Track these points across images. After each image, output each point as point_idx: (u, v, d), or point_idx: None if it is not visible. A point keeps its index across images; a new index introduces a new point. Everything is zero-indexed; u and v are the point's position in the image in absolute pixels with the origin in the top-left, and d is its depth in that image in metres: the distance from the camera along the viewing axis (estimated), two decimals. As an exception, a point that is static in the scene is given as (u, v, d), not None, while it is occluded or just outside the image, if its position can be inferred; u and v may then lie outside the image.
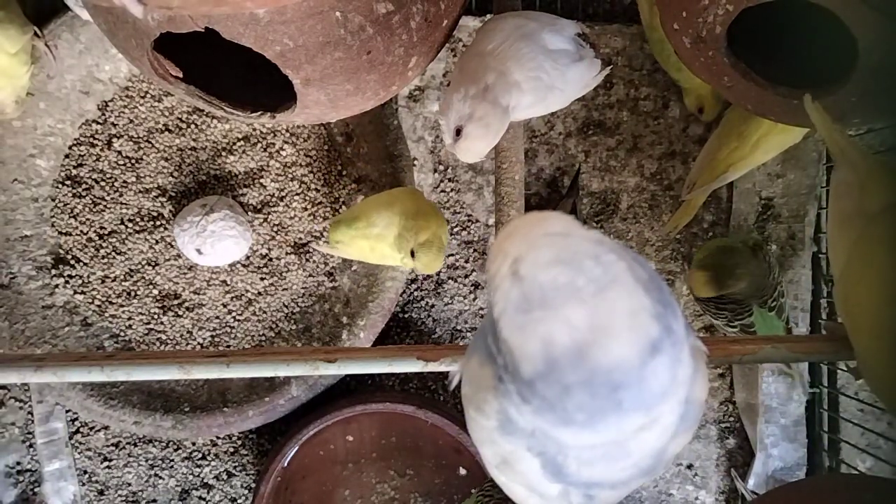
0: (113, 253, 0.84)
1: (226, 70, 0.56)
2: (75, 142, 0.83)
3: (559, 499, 0.32)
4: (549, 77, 0.58)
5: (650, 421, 0.28)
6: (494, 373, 0.31)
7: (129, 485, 0.89)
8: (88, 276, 0.83)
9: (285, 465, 0.81)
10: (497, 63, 0.57)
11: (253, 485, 0.89)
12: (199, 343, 0.85)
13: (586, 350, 0.27)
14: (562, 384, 0.27)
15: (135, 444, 0.89)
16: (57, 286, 0.83)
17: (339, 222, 0.72)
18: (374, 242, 0.69)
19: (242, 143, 0.84)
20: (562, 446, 0.30)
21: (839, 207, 0.49)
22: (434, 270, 0.68)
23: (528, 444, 0.31)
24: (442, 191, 0.88)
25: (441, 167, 0.88)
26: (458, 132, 0.57)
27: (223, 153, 0.84)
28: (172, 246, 0.83)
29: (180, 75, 0.53)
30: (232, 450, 0.89)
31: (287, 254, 0.84)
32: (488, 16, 0.84)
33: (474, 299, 0.89)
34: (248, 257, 0.84)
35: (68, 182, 0.83)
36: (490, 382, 0.31)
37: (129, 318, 0.84)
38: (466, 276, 0.89)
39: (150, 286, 0.84)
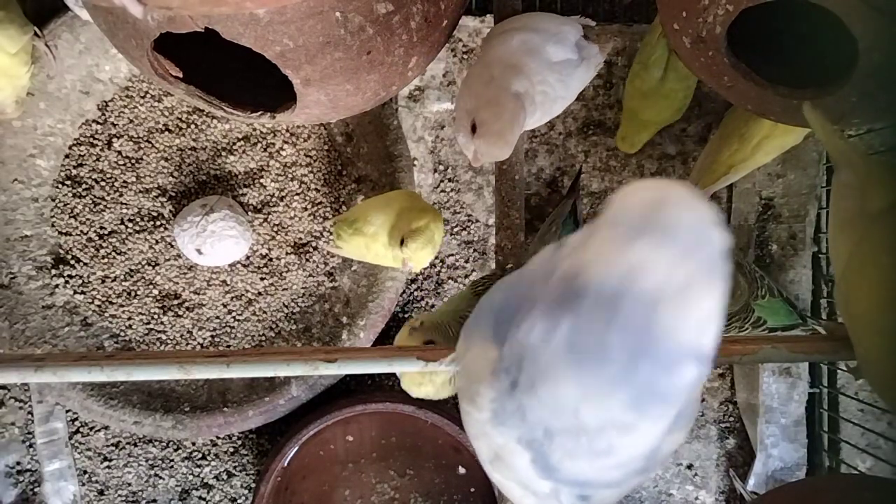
0: (113, 253, 0.84)
1: (226, 70, 0.56)
2: (75, 142, 0.83)
3: (551, 497, 0.32)
4: (554, 90, 0.58)
5: (637, 418, 0.28)
6: (492, 362, 0.31)
7: (129, 485, 0.89)
8: (88, 276, 0.83)
9: (285, 465, 0.81)
10: (503, 66, 0.57)
11: (253, 485, 0.89)
12: (199, 343, 0.85)
13: (656, 306, 0.26)
14: (610, 313, 0.27)
15: (135, 444, 0.89)
16: (57, 286, 0.83)
17: (340, 221, 0.73)
18: (370, 241, 0.69)
19: (242, 143, 0.84)
20: (548, 431, 0.30)
21: (840, 209, 0.49)
22: (423, 262, 0.67)
23: (518, 434, 0.31)
24: (442, 191, 0.88)
25: (441, 167, 0.88)
26: (474, 129, 0.56)
27: (223, 153, 0.84)
28: (172, 246, 0.83)
29: (180, 75, 0.53)
30: (232, 450, 0.89)
31: (287, 254, 0.84)
32: (488, 16, 0.84)
33: (474, 299, 0.89)
34: (248, 257, 0.84)
35: (68, 182, 0.83)
36: (486, 373, 0.32)
37: (129, 318, 0.84)
38: (466, 276, 0.89)
39: (150, 286, 0.84)
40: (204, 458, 0.89)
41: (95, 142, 0.83)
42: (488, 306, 0.35)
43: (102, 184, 0.83)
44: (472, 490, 0.85)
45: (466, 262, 0.89)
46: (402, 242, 0.66)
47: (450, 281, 0.89)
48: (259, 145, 0.84)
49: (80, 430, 0.88)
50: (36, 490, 0.88)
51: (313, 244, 0.84)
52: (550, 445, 0.30)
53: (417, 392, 0.60)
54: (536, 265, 0.33)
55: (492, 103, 0.55)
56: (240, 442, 0.89)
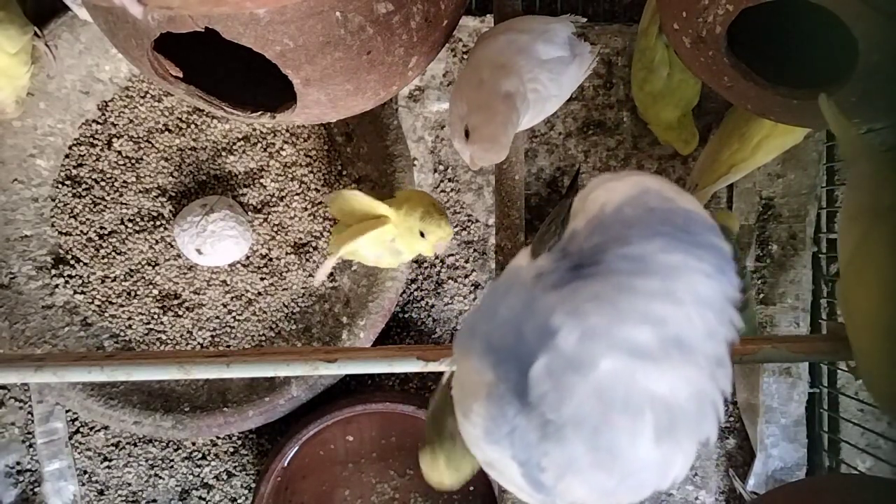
0: (113, 253, 0.84)
1: (226, 70, 0.56)
2: (75, 142, 0.83)
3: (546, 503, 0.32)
4: (546, 89, 0.58)
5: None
6: (486, 385, 0.31)
7: (129, 485, 0.89)
8: (88, 276, 0.83)
9: (285, 465, 0.81)
10: (493, 66, 0.56)
11: (253, 485, 0.89)
12: (199, 343, 0.85)
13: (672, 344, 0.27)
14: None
15: (135, 444, 0.89)
16: (57, 286, 0.83)
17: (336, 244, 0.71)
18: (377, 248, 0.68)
19: (242, 143, 0.84)
20: (540, 446, 0.29)
21: (853, 200, 0.49)
22: (450, 234, 0.65)
23: (511, 453, 0.31)
24: (442, 191, 0.88)
25: (441, 167, 0.88)
26: (468, 134, 0.55)
27: (223, 153, 0.84)
28: (172, 246, 0.83)
29: (180, 75, 0.53)
30: (232, 450, 0.89)
31: (287, 254, 0.84)
32: (488, 16, 0.84)
33: (474, 299, 0.89)
34: (248, 257, 0.84)
35: (68, 182, 0.83)
36: (480, 394, 0.31)
37: (129, 318, 0.84)
38: (466, 276, 0.89)
39: (150, 286, 0.84)
40: (204, 458, 0.89)
41: (95, 142, 0.83)
42: (485, 323, 0.34)
43: (102, 184, 0.83)
44: (472, 489, 0.85)
45: (466, 262, 0.89)
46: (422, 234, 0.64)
47: (450, 281, 0.89)
48: (259, 145, 0.84)
49: (80, 430, 0.88)
50: (36, 490, 0.88)
51: (313, 244, 0.84)
52: (543, 474, 0.30)
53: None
54: (523, 287, 0.33)
55: (482, 108, 0.54)
56: (240, 442, 0.89)
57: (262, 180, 0.84)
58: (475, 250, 0.89)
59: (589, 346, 0.27)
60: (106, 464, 0.89)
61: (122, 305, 0.84)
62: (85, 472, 0.89)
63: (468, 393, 0.33)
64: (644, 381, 0.27)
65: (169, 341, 0.85)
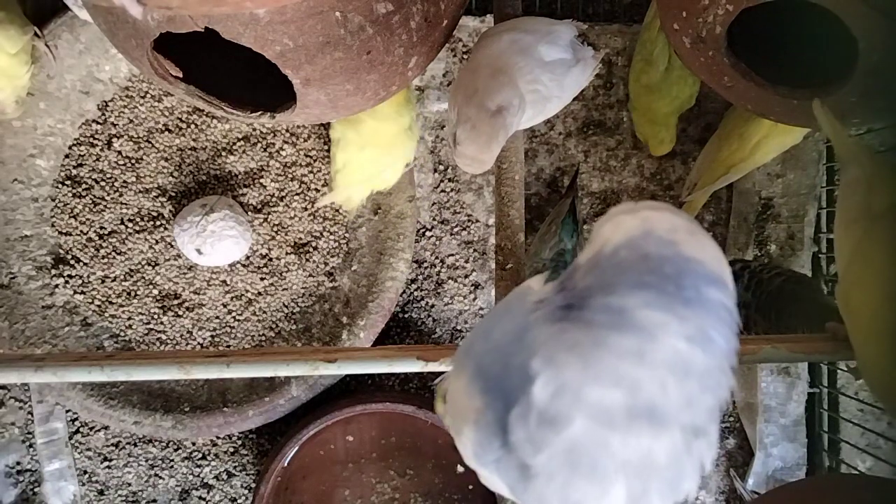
0: (113, 253, 0.84)
1: (226, 70, 0.56)
2: (75, 142, 0.83)
3: None
4: (547, 89, 0.57)
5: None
6: (475, 411, 0.31)
7: (129, 485, 0.89)
8: (88, 276, 0.83)
9: (285, 465, 0.81)
10: (490, 71, 0.56)
11: (253, 485, 0.89)
12: (199, 343, 0.85)
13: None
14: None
15: (135, 444, 0.89)
16: (57, 286, 0.83)
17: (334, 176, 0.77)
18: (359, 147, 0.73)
19: (242, 143, 0.84)
20: (520, 483, 0.29)
21: (846, 207, 0.49)
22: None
23: (498, 476, 0.31)
24: (442, 191, 0.88)
25: (441, 167, 0.88)
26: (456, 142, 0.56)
27: (223, 153, 0.84)
28: (172, 246, 0.83)
29: (180, 75, 0.53)
30: (232, 450, 0.89)
31: (287, 254, 0.84)
32: (488, 16, 0.84)
33: (474, 299, 0.89)
34: (248, 257, 0.84)
35: (68, 182, 0.83)
36: (469, 418, 0.32)
37: (129, 318, 0.84)
38: (466, 276, 0.89)
39: (150, 286, 0.84)
40: (204, 458, 0.89)
41: (95, 142, 0.83)
42: (480, 343, 0.34)
43: (102, 184, 0.83)
44: (471, 487, 0.85)
45: (466, 262, 0.89)
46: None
47: (450, 281, 0.89)
48: (259, 145, 0.84)
49: (80, 430, 0.88)
50: (36, 490, 0.88)
51: (313, 244, 0.84)
52: (528, 496, 0.30)
53: None
54: (519, 317, 0.32)
55: (468, 123, 0.54)
56: (240, 442, 0.89)
57: (262, 180, 0.84)
58: (475, 250, 0.89)
59: (561, 403, 0.27)
60: (106, 464, 0.89)
61: (122, 305, 0.84)
62: (85, 472, 0.89)
63: (459, 414, 0.33)
64: (616, 447, 0.26)
65: (169, 341, 0.85)
